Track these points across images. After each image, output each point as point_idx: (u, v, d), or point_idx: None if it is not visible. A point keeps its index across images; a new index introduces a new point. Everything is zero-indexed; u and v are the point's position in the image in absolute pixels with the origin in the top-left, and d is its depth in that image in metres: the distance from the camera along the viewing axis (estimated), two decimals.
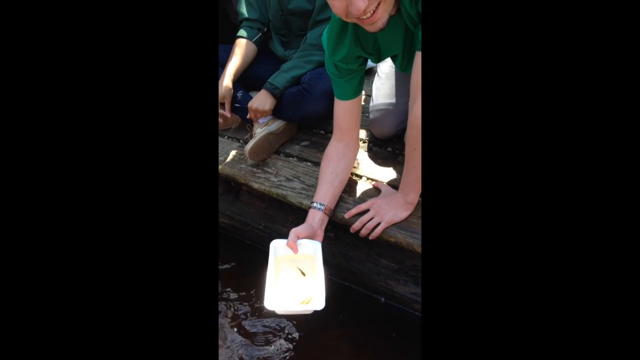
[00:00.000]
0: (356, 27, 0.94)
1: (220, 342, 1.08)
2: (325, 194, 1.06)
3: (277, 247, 0.99)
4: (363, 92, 1.09)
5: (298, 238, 0.98)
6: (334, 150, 1.11)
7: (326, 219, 1.06)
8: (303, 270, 0.97)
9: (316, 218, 1.04)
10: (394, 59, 1.08)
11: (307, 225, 1.02)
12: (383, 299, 1.18)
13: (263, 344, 1.10)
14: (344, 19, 0.83)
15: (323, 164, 1.11)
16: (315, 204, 1.05)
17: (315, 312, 0.89)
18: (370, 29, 0.83)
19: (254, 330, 1.13)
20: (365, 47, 0.99)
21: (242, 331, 1.13)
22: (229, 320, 1.16)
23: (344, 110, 1.07)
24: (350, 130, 1.10)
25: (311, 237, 1.01)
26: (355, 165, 1.23)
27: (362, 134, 1.34)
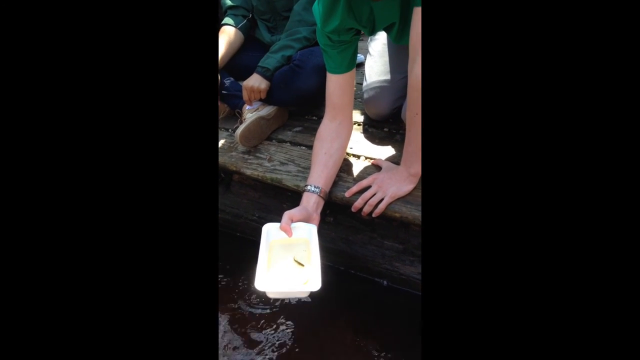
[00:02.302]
0: None
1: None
2: (320, 175, 1.00)
3: (270, 231, 0.91)
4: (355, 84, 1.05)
5: (292, 221, 0.91)
6: (326, 129, 1.04)
7: (322, 203, 0.99)
8: (299, 260, 0.89)
9: (311, 201, 0.97)
10: (389, 30, 1.04)
11: (302, 207, 0.95)
12: (385, 282, 1.11)
13: (261, 338, 1.02)
14: None
15: (316, 144, 1.04)
16: (309, 187, 0.99)
17: (312, 294, 0.81)
18: None
19: (250, 324, 1.05)
20: (358, 19, 0.95)
21: (238, 326, 1.04)
22: (224, 317, 1.07)
23: (336, 85, 1.02)
24: (344, 107, 1.04)
25: (306, 220, 0.93)
26: (352, 146, 1.18)
27: (357, 116, 1.30)
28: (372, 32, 1.01)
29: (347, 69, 1.01)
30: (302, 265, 0.87)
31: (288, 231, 0.89)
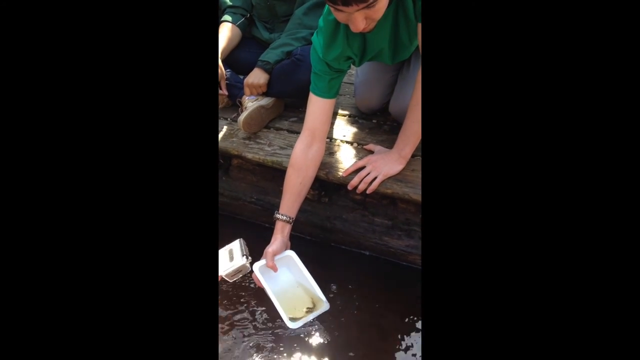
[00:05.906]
0: (347, 27, 0.97)
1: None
2: (293, 205, 1.07)
3: (262, 270, 1.02)
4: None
5: (275, 256, 1.02)
6: (302, 157, 1.08)
7: (291, 228, 1.08)
8: (308, 307, 1.02)
9: (285, 230, 1.06)
10: (377, 57, 1.09)
11: (279, 241, 1.04)
12: (368, 253, 1.25)
13: (264, 328, 1.10)
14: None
15: (290, 172, 1.08)
16: (284, 217, 1.06)
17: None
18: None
19: (249, 313, 1.13)
20: (351, 47, 1.01)
21: (236, 314, 1.12)
22: (224, 305, 1.14)
23: (321, 109, 1.07)
24: (323, 132, 1.09)
25: (284, 250, 1.05)
26: (344, 134, 1.30)
27: (349, 109, 1.43)
28: (360, 61, 1.08)
29: (334, 95, 1.07)
30: (312, 307, 1.01)
31: (275, 268, 1.01)
